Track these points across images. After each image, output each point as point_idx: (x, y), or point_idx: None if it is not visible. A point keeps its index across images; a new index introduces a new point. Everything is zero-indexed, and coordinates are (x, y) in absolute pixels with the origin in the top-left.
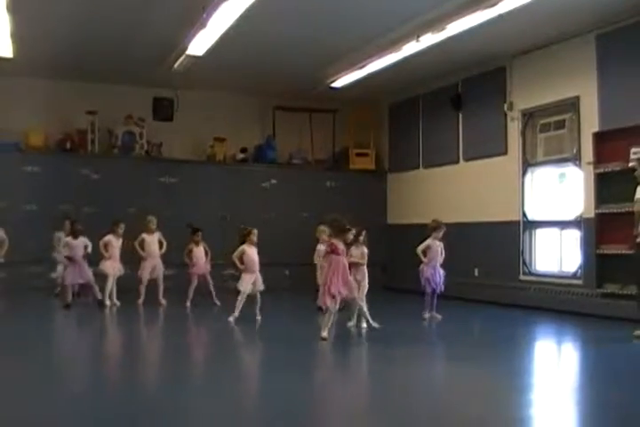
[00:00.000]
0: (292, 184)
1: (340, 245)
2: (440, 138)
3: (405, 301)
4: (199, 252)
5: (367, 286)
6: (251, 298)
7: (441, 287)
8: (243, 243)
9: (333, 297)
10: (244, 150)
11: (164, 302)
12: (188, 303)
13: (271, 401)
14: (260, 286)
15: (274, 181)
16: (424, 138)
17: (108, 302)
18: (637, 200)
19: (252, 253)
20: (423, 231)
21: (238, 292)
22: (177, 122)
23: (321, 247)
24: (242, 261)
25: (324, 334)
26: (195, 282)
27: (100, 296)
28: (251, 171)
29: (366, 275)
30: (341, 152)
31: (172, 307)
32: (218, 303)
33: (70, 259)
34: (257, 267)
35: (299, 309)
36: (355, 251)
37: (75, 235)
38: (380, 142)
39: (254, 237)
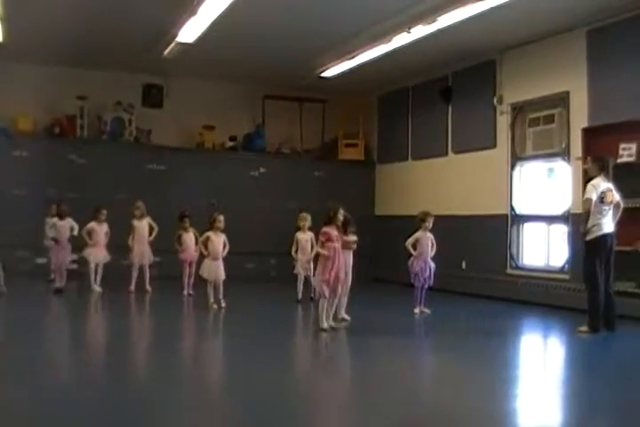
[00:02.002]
0: (281, 173)
1: (333, 231)
2: (429, 130)
3: (394, 293)
4: (189, 238)
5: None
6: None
7: (430, 281)
8: (210, 228)
9: (328, 284)
10: (233, 138)
11: (149, 288)
12: (186, 291)
13: (253, 397)
14: (222, 275)
15: (262, 170)
16: (413, 130)
17: (98, 289)
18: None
19: (216, 240)
20: (411, 223)
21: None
22: (166, 109)
23: (300, 236)
24: (206, 247)
25: (324, 324)
26: (186, 269)
27: (61, 284)
28: (239, 159)
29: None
30: (330, 142)
31: (159, 293)
32: (192, 293)
33: (56, 241)
34: (220, 255)
35: (285, 299)
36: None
37: (61, 216)
38: (370, 133)
39: (220, 224)
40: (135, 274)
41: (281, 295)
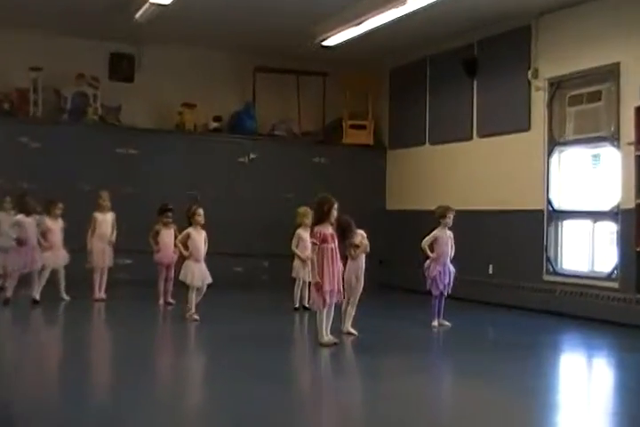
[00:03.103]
0: (275, 160)
1: (328, 230)
2: (450, 109)
3: (406, 302)
4: (168, 236)
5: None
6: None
7: (449, 289)
8: (190, 225)
9: (326, 296)
10: (217, 119)
11: (103, 295)
12: (162, 300)
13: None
14: (208, 279)
15: (253, 156)
16: (431, 109)
17: (66, 297)
18: None
19: (198, 237)
20: (428, 219)
21: (186, 285)
22: (138, 83)
23: (302, 233)
24: (187, 247)
25: (324, 338)
26: (163, 273)
27: (10, 294)
28: (226, 143)
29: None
30: (333, 123)
31: (129, 303)
32: (172, 302)
33: (20, 242)
34: (202, 255)
35: (278, 308)
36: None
37: (27, 211)
38: (380, 113)
39: (200, 218)
40: (98, 279)
41: (275, 303)
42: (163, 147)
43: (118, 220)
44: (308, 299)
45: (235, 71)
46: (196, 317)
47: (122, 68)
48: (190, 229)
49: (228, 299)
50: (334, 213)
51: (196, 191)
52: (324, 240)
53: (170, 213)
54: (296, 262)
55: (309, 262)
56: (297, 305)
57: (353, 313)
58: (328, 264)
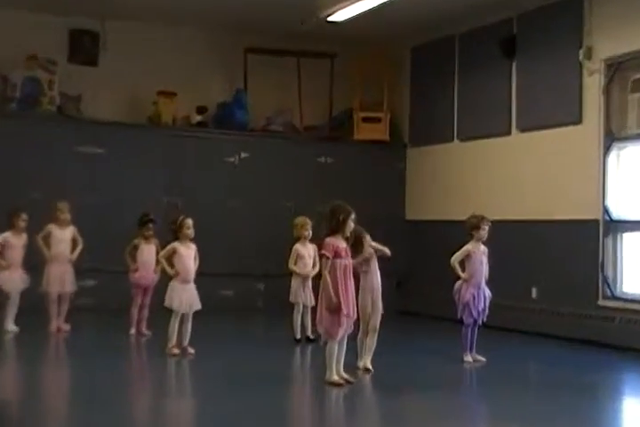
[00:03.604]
0: (271, 160)
1: (341, 244)
2: (484, 98)
3: (432, 332)
4: (148, 252)
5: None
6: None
7: (484, 316)
8: (177, 239)
9: (344, 322)
10: (201, 110)
11: (66, 327)
12: (134, 330)
13: None
14: (197, 305)
15: (244, 155)
16: (461, 97)
17: (12, 328)
18: None
19: (186, 254)
20: (457, 232)
21: (169, 311)
22: (104, 67)
23: (300, 249)
24: (172, 264)
25: (334, 377)
26: (139, 297)
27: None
28: (211, 140)
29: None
30: (342, 116)
31: (93, 333)
32: (146, 333)
33: None
34: (192, 275)
35: (277, 340)
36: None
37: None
38: (398, 103)
39: (189, 231)
40: (55, 307)
41: (273, 334)
42: (134, 145)
43: (80, 233)
44: (313, 327)
45: (222, 52)
46: (176, 351)
47: (83, 48)
48: (177, 244)
49: (216, 329)
50: (351, 224)
51: (177, 199)
52: (336, 255)
53: (151, 225)
54: (294, 283)
55: (309, 282)
56: (298, 336)
57: (374, 345)
58: (342, 283)
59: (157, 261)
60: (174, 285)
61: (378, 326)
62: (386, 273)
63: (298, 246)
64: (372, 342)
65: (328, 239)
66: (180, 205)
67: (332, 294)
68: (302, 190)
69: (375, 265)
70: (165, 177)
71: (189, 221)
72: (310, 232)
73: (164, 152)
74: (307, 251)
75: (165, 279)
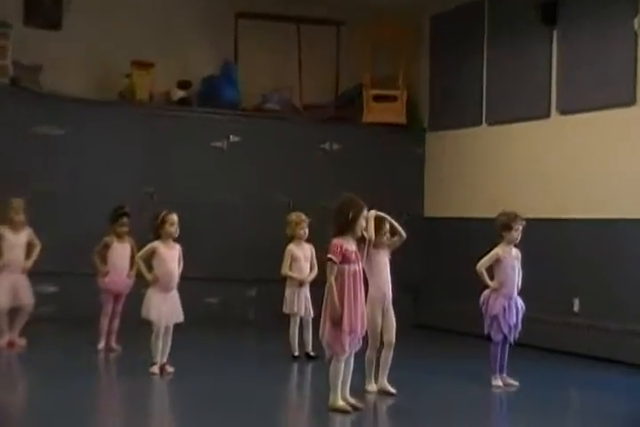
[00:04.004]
0: (266, 146)
1: (351, 246)
2: (519, 73)
3: (454, 350)
4: (122, 252)
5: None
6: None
7: (516, 332)
8: (158, 237)
9: (346, 339)
10: (184, 85)
11: (21, 342)
12: (103, 344)
13: None
14: (178, 316)
15: (234, 139)
16: (491, 72)
17: None
18: None
19: (169, 255)
20: (485, 232)
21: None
22: (68, 31)
23: (294, 251)
24: (151, 267)
25: (339, 402)
26: (109, 305)
27: None
28: (196, 121)
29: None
30: (350, 94)
31: (54, 348)
32: (116, 348)
33: None
34: (174, 281)
35: (272, 357)
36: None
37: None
38: (416, 78)
39: (172, 229)
40: (6, 321)
41: (266, 349)
42: (102, 126)
43: (37, 231)
44: (318, 336)
45: (209, 17)
46: (156, 370)
47: (43, 8)
48: (157, 244)
49: (199, 343)
50: (362, 222)
51: (153, 188)
52: (345, 259)
53: (126, 220)
54: (288, 291)
55: (306, 289)
56: (296, 353)
57: (389, 361)
58: (349, 294)
59: (132, 264)
60: (153, 293)
61: (394, 341)
62: (400, 280)
63: (292, 247)
64: (387, 361)
65: (335, 240)
66: (155, 196)
67: (337, 304)
68: (302, 182)
69: (385, 263)
70: (140, 164)
71: (174, 217)
72: (306, 231)
73: (138, 135)
74: (302, 252)
75: (141, 285)
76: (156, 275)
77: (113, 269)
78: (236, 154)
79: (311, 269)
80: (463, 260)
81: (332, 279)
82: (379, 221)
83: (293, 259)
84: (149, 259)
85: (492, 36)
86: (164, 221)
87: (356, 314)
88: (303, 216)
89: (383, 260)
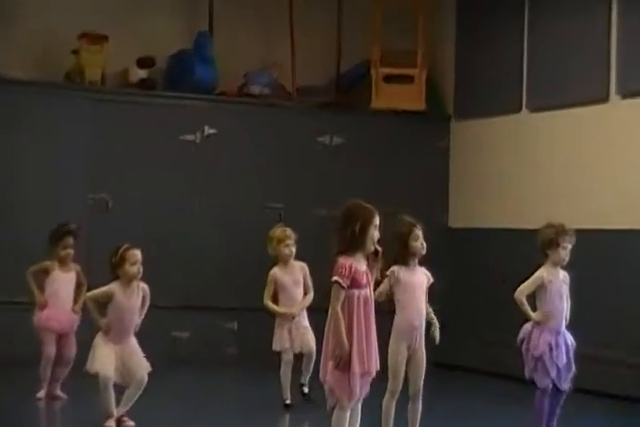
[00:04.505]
0: (249, 139)
1: (361, 265)
2: (568, 48)
3: (488, 397)
4: (65, 282)
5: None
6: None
7: (569, 377)
8: (117, 277)
9: (356, 383)
10: (146, 63)
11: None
12: (44, 392)
13: None
14: (138, 374)
15: (210, 131)
16: (532, 48)
17: None
18: None
19: (127, 303)
20: (525, 248)
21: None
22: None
23: (280, 276)
24: (103, 312)
25: None
26: (50, 346)
27: None
28: (161, 108)
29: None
30: (355, 73)
31: None
32: (62, 396)
33: None
34: (129, 332)
35: (259, 405)
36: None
37: None
38: (439, 55)
39: (133, 269)
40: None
41: (250, 396)
42: (43, 114)
43: None
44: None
45: None
46: (111, 424)
47: None
48: (115, 288)
49: (166, 389)
50: (373, 234)
51: (108, 195)
52: (354, 282)
53: (71, 241)
54: (278, 325)
55: (302, 320)
56: (288, 401)
57: (418, 417)
58: (360, 325)
59: (78, 295)
60: (100, 342)
61: (421, 390)
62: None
63: (276, 272)
64: (415, 416)
65: (342, 259)
66: (110, 204)
67: (344, 339)
68: (296, 185)
69: (419, 284)
70: (90, 163)
71: (135, 254)
72: (292, 249)
73: (87, 126)
74: (290, 277)
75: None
76: (108, 323)
77: (53, 302)
78: (211, 150)
79: (305, 293)
80: (497, 283)
81: (337, 308)
82: (408, 226)
83: (279, 286)
84: (100, 300)
85: (535, 2)
86: (122, 259)
87: (369, 351)
88: (288, 231)
89: (416, 279)
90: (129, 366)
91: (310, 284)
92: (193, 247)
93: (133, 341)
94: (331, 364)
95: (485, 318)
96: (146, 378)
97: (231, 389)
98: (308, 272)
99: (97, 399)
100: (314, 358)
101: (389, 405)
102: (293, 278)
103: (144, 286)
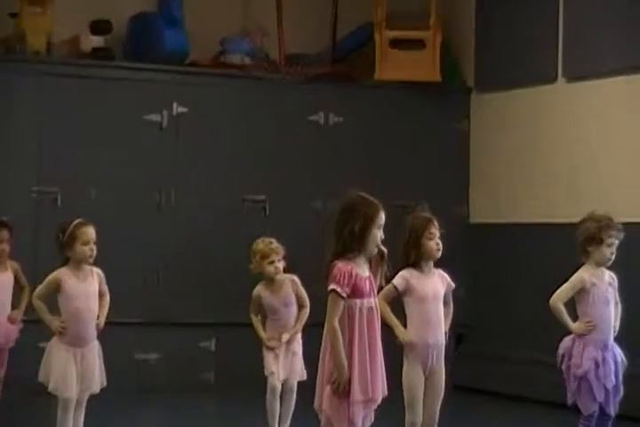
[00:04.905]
0: (227, 118)
1: (363, 270)
2: (611, 7)
3: (516, 425)
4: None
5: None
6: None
7: (617, 400)
8: (66, 262)
9: (357, 413)
10: (101, 29)
11: None
12: None
13: None
14: (95, 384)
15: (180, 110)
16: (569, 6)
17: None
18: None
19: (79, 290)
20: (562, 245)
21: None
22: None
23: (266, 296)
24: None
25: None
26: None
27: None
28: (120, 81)
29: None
30: (355, 38)
31: None
32: None
33: None
34: (90, 329)
35: None
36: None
37: None
38: (455, 14)
39: (86, 249)
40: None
41: None
42: None
43: None
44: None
45: None
46: None
47: None
48: (63, 273)
49: (131, 421)
50: (376, 233)
51: (57, 187)
52: (356, 291)
53: (6, 234)
54: (265, 348)
55: (295, 343)
56: None
57: None
58: (362, 342)
59: (19, 300)
60: (56, 347)
61: (436, 421)
62: None
63: (260, 292)
64: None
65: (340, 264)
66: (60, 199)
67: (342, 360)
68: (284, 173)
69: (434, 293)
70: (35, 149)
71: (88, 231)
72: (279, 266)
73: (31, 104)
74: (279, 298)
75: (34, 333)
76: (60, 322)
77: None
78: (182, 132)
79: (301, 307)
80: (529, 288)
81: (334, 322)
82: (424, 221)
83: (267, 310)
84: (46, 293)
85: None
86: (73, 238)
87: (374, 373)
88: (274, 244)
89: (430, 287)
90: (82, 377)
91: (305, 296)
92: (158, 250)
93: (96, 345)
94: (328, 390)
95: (514, 331)
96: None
97: (209, 420)
98: (300, 285)
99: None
100: (294, 397)
101: None
102: (283, 300)
103: (99, 271)
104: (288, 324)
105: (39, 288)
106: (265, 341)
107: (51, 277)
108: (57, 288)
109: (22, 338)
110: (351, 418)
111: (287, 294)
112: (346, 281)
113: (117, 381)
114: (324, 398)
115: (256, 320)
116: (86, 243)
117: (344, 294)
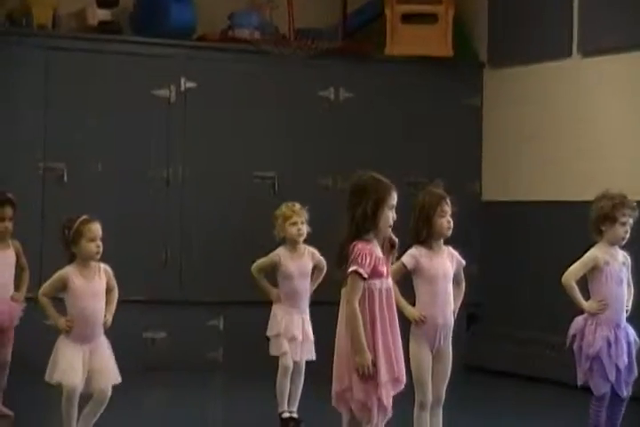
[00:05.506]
0: (236, 94)
1: (378, 250)
2: None
3: (531, 406)
4: (1, 261)
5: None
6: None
7: (629, 384)
8: (72, 258)
9: (384, 394)
10: (107, 2)
11: None
12: None
13: None
14: (104, 381)
15: (189, 85)
16: None
17: None
18: None
19: (86, 289)
20: (575, 223)
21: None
22: None
23: (285, 260)
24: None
25: None
26: None
27: None
28: (127, 56)
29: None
30: (365, 13)
31: None
32: (9, 413)
33: None
34: (98, 326)
35: (251, 419)
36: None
37: None
38: None
39: (93, 246)
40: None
41: (240, 408)
42: None
43: None
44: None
45: None
46: None
47: None
48: (70, 271)
49: (139, 401)
50: (388, 214)
51: (64, 165)
52: (375, 272)
53: (9, 212)
54: (276, 309)
55: (306, 317)
56: (287, 413)
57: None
58: (384, 323)
59: (20, 282)
60: (62, 345)
61: (443, 398)
62: None
63: (281, 255)
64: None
65: (360, 245)
66: (66, 177)
67: (364, 343)
68: (294, 150)
69: (444, 273)
70: (41, 125)
71: (94, 228)
72: (303, 229)
73: (37, 78)
74: (298, 266)
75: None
76: (69, 320)
77: None
78: (190, 107)
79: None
80: (542, 267)
81: (355, 303)
82: (436, 197)
83: (282, 276)
84: (54, 290)
85: None
86: (78, 234)
87: (397, 353)
88: (297, 207)
89: (440, 266)
90: (92, 373)
91: (319, 276)
92: (166, 227)
93: (104, 341)
94: (353, 373)
95: (526, 310)
96: (109, 391)
97: (216, 399)
98: (322, 262)
99: (54, 416)
100: (302, 376)
101: (421, 420)
102: (300, 269)
103: (107, 267)
104: (300, 296)
105: (45, 285)
106: (274, 298)
107: (57, 275)
108: (63, 287)
109: (27, 316)
110: (380, 400)
111: (306, 265)
112: (367, 262)
113: (125, 359)
114: (350, 383)
115: (262, 278)
116: (92, 240)
117: (365, 275)
